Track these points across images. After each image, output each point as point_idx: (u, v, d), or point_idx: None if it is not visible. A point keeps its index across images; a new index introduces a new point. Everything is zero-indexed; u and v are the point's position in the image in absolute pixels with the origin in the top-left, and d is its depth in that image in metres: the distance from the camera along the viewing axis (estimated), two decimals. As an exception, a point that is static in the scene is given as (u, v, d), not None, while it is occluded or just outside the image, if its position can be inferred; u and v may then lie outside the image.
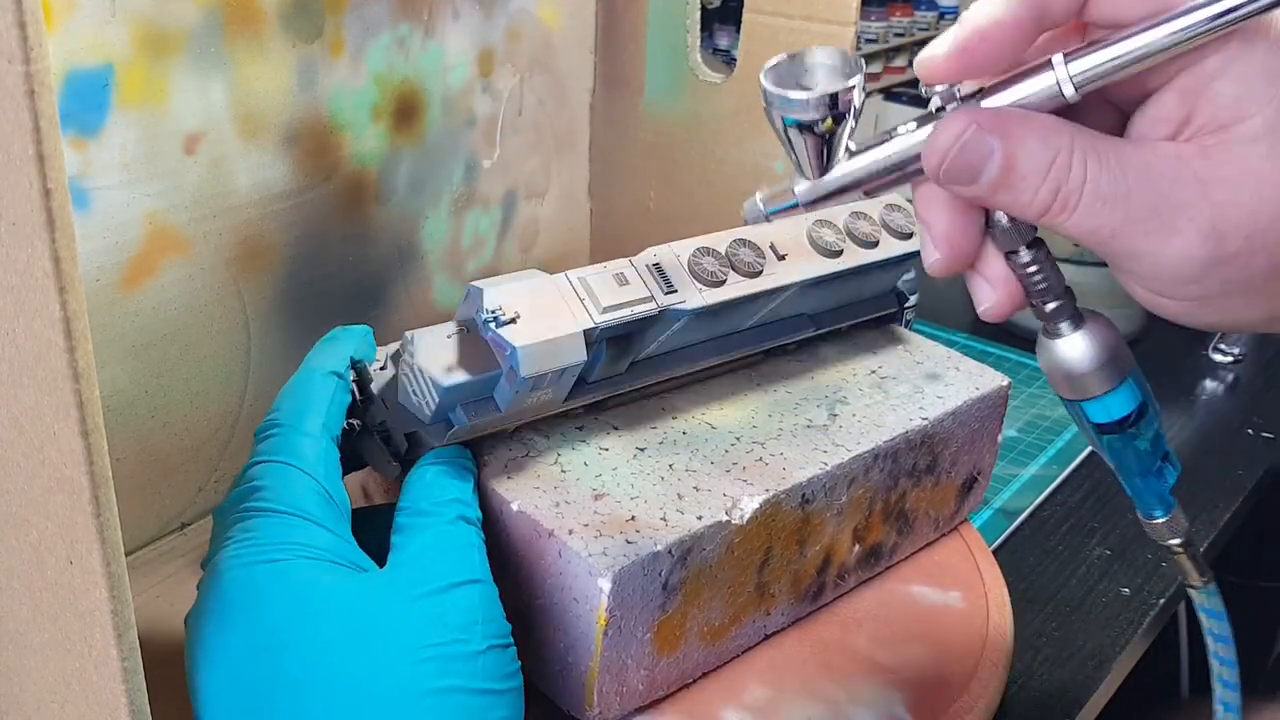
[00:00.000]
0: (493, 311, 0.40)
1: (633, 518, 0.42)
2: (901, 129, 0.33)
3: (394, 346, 0.45)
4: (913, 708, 0.46)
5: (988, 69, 0.32)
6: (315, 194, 0.57)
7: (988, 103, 0.32)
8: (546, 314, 0.41)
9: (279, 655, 0.35)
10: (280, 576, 0.37)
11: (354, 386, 0.45)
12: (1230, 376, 0.87)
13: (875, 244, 0.50)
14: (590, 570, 0.40)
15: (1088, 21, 0.31)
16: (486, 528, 0.43)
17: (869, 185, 0.34)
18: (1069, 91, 0.31)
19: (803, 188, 0.35)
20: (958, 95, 0.32)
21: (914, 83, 1.25)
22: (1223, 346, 0.89)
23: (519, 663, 0.38)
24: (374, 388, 0.45)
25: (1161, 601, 0.61)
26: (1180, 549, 0.37)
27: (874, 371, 0.54)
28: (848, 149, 0.33)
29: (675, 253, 0.45)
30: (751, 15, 0.67)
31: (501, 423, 0.44)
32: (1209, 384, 0.86)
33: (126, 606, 0.32)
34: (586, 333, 0.41)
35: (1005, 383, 0.54)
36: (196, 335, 0.54)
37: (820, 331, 0.53)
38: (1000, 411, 0.54)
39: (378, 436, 0.46)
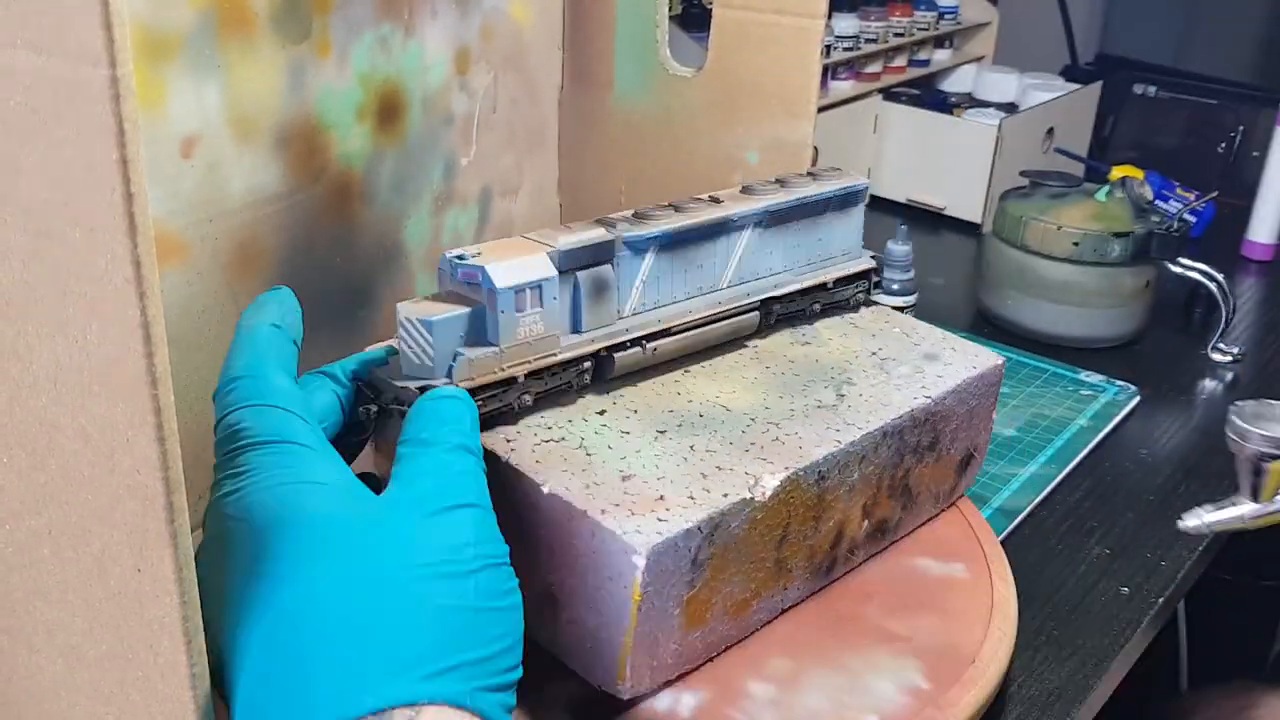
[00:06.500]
0: (459, 255, 0.44)
1: (661, 497, 0.43)
2: None
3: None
4: (929, 675, 0.47)
5: None
6: (305, 196, 0.57)
7: None
8: (509, 250, 0.46)
9: (278, 588, 0.35)
10: (278, 504, 0.37)
11: (366, 393, 0.46)
12: (1230, 376, 0.87)
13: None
14: (625, 548, 0.41)
15: None
16: (515, 511, 0.43)
17: None
18: None
19: (1249, 510, 0.50)
20: None
21: (913, 83, 1.27)
22: (1222, 346, 0.89)
23: (515, 580, 0.39)
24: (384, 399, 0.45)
25: (1160, 601, 0.61)
26: None
27: (875, 353, 0.55)
28: None
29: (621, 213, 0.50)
30: (721, 10, 0.68)
31: (503, 361, 0.45)
32: (1209, 383, 0.86)
33: (196, 612, 0.31)
34: (550, 255, 0.46)
35: (1000, 361, 0.55)
36: (193, 342, 0.53)
37: (803, 286, 0.55)
38: (995, 390, 0.56)
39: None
